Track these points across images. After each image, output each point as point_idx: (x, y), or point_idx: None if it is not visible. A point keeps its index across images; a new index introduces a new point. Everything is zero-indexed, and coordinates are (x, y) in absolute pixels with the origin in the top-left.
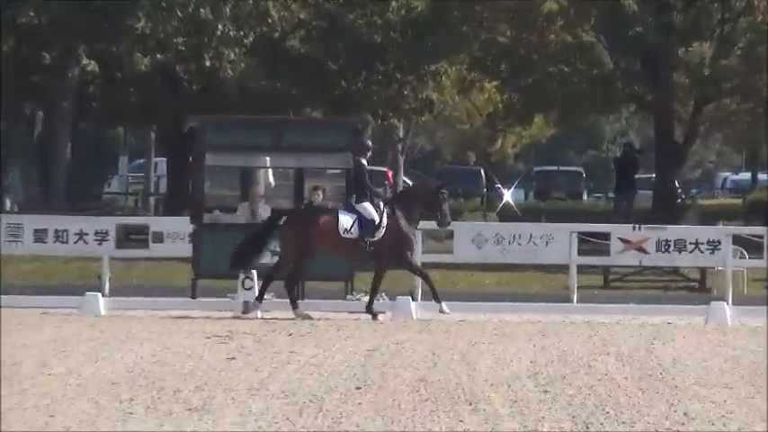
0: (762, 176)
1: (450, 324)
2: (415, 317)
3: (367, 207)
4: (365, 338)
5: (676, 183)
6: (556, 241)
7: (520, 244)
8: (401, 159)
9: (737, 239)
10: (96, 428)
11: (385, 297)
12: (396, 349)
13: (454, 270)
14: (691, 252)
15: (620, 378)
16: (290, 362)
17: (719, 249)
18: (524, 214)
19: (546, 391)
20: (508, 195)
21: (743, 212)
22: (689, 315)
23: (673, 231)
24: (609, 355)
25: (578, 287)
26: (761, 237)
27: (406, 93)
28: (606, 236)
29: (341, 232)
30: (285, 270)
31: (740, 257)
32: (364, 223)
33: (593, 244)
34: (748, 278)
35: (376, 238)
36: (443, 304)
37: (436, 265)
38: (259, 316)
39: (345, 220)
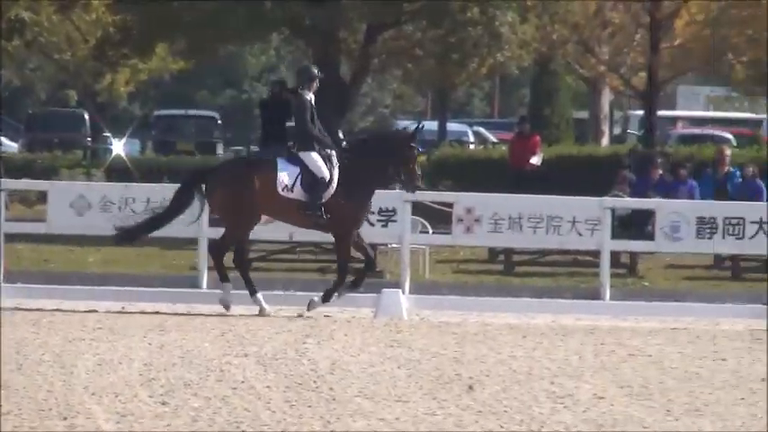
0: (453, 126)
1: (43, 315)
2: None
3: (314, 158)
4: None
5: (340, 133)
6: None
7: (134, 211)
8: None
9: (419, 208)
10: None
11: None
12: None
13: (48, 243)
14: None
15: (261, 387)
16: None
17: (394, 221)
18: (141, 172)
19: (164, 403)
20: (119, 147)
21: (428, 173)
22: (353, 306)
23: None
24: (247, 357)
25: (209, 268)
26: (449, 206)
27: None
28: None
29: (279, 190)
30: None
31: (421, 232)
32: (309, 180)
33: None
34: (431, 259)
35: (325, 201)
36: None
37: (25, 237)
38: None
39: (284, 174)
